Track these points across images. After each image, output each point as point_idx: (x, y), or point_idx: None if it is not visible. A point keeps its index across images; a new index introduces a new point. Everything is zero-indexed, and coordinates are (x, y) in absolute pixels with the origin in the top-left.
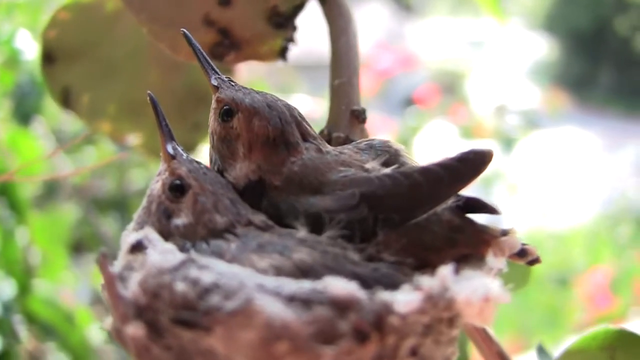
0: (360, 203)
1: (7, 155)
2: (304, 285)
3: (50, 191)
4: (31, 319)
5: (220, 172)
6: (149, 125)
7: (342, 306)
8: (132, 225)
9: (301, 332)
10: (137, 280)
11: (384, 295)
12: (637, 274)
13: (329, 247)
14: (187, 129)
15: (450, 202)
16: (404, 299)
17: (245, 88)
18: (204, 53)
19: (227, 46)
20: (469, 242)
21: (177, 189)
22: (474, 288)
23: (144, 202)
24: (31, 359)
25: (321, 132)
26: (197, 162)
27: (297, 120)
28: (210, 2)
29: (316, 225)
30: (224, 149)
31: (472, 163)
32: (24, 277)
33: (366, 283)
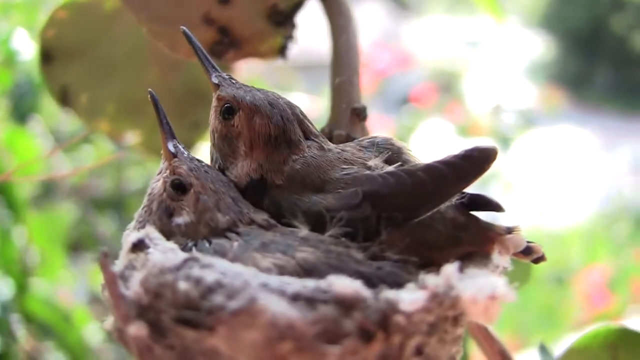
0: (363, 201)
1: (4, 154)
2: (308, 284)
3: (48, 191)
4: (29, 319)
5: (222, 170)
6: (148, 124)
7: (347, 305)
8: (133, 224)
9: (306, 331)
10: (138, 280)
11: (389, 294)
12: (635, 272)
13: (332, 245)
14: (185, 128)
15: (454, 199)
16: (410, 298)
17: (247, 86)
18: (204, 51)
19: (227, 44)
20: (473, 240)
21: (178, 188)
22: (479, 286)
23: (145, 200)
24: (29, 359)
25: (322, 131)
26: (198, 160)
27: (299, 118)
28: (209, 0)
29: (318, 223)
30: (225, 147)
31: (476, 160)
32: (22, 276)
33: (370, 282)
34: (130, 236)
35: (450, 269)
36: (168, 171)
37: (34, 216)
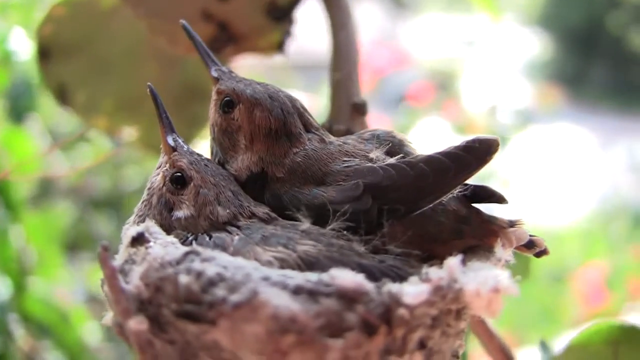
0: (365, 194)
1: (2, 154)
2: (310, 277)
3: (46, 190)
4: (26, 318)
5: (222, 164)
6: (146, 121)
7: (349, 298)
8: (132, 218)
9: (308, 325)
10: (139, 274)
11: (392, 287)
12: (632, 270)
13: (333, 239)
14: (183, 123)
15: (456, 191)
16: (413, 291)
17: (246, 79)
18: (204, 45)
19: (226, 40)
20: (476, 233)
21: (178, 181)
22: (482, 279)
23: (145, 195)
24: (27, 358)
25: (322, 126)
26: (198, 154)
27: (300, 111)
28: None
29: (320, 216)
30: (225, 140)
31: (478, 152)
32: (19, 276)
33: (373, 275)
34: (130, 230)
35: (453, 262)
36: (168, 165)
37: (32, 215)
